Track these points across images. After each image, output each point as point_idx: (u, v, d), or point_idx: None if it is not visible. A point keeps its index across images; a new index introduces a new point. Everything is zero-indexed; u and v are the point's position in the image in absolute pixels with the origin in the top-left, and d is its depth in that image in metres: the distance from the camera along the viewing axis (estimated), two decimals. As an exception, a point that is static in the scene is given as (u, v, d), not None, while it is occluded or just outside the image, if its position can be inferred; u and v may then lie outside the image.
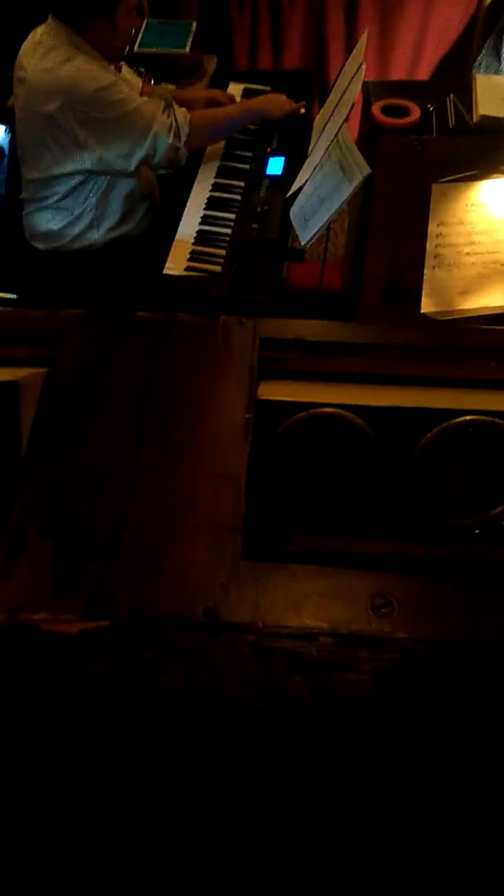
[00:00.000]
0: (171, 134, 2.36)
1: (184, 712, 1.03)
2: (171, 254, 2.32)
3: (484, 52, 3.20)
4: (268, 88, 2.91)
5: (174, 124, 2.36)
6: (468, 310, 2.36)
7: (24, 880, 1.10)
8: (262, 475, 1.21)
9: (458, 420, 1.32)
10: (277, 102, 2.71)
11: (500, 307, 2.36)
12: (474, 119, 2.45)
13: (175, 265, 2.28)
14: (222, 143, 2.70)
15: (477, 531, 1.36)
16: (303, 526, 1.33)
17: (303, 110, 2.81)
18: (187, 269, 2.28)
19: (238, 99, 2.87)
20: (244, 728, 1.02)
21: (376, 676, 1.01)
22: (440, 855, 1.11)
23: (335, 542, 1.30)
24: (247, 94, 2.94)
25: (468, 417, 1.32)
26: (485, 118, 2.43)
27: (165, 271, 2.26)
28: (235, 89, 2.97)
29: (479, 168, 2.32)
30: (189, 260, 2.30)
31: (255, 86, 2.99)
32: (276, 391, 1.35)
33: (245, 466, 1.15)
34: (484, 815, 1.09)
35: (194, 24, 3.13)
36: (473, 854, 1.12)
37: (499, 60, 3.15)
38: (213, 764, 1.04)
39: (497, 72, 3.14)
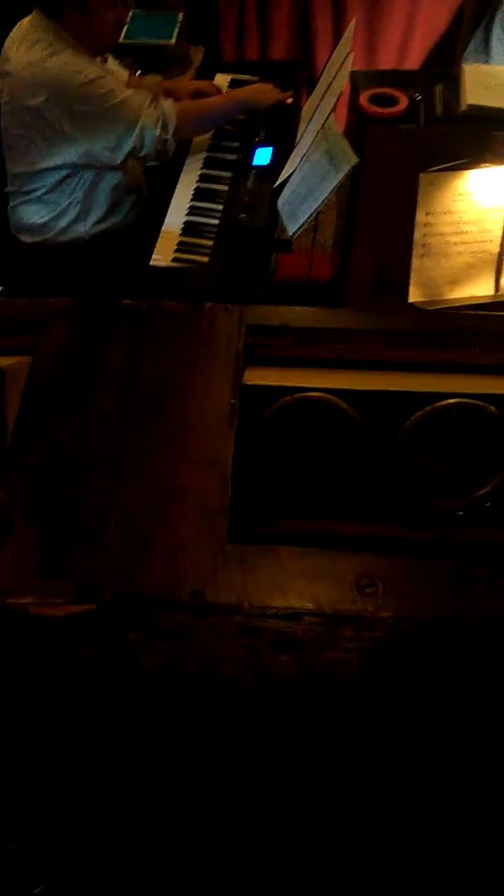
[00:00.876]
0: (159, 126, 2.36)
1: (171, 693, 1.03)
2: (158, 245, 2.32)
3: (472, 46, 3.20)
4: (255, 79, 2.91)
5: (161, 116, 2.36)
6: (456, 299, 2.36)
7: (12, 857, 1.11)
8: (249, 459, 1.22)
9: (442, 403, 1.33)
10: (265, 92, 2.71)
11: (488, 297, 2.36)
12: (462, 108, 2.46)
13: (162, 256, 2.28)
14: (209, 134, 2.69)
15: (461, 513, 1.37)
16: (289, 508, 1.34)
17: (290, 100, 2.81)
18: (174, 260, 2.28)
19: (225, 90, 2.87)
20: (231, 707, 1.03)
21: (361, 655, 1.02)
22: (428, 828, 1.13)
23: (321, 524, 1.31)
24: (234, 84, 2.94)
25: (452, 400, 1.33)
26: (473, 107, 2.44)
27: (152, 263, 2.26)
28: (222, 80, 2.97)
29: (467, 157, 2.32)
30: (176, 251, 2.30)
31: (242, 76, 2.99)
32: (262, 377, 1.35)
33: (231, 451, 1.16)
34: (469, 787, 1.10)
35: (181, 16, 3.12)
36: (462, 826, 1.13)
37: (487, 53, 3.15)
38: (201, 743, 1.05)
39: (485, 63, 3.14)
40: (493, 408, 1.36)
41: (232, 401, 1.21)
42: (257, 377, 1.34)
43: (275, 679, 1.01)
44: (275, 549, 1.09)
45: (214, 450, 1.15)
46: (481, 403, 1.34)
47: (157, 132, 2.35)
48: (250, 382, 1.32)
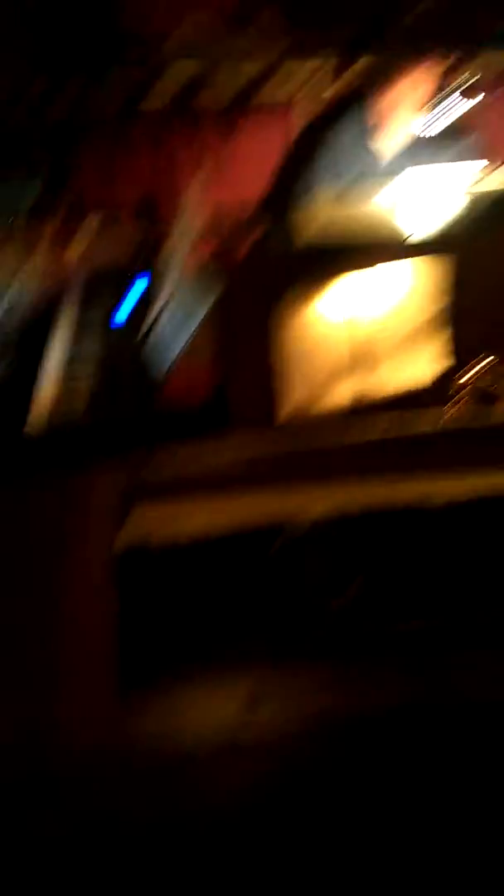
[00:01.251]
0: (25, 288, 2.46)
1: (86, 853, 1.06)
2: (34, 403, 2.35)
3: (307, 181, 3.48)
4: (121, 220, 3.08)
5: (31, 275, 2.47)
6: (321, 412, 2.53)
7: None
8: (136, 605, 1.29)
9: (305, 517, 1.44)
10: (126, 236, 2.88)
11: (348, 405, 2.54)
12: (309, 236, 2.69)
13: (39, 414, 2.31)
14: (79, 281, 2.82)
15: (339, 611, 1.44)
16: (180, 645, 1.40)
17: (154, 238, 2.98)
18: (51, 413, 2.30)
19: (93, 232, 3.01)
20: (140, 849, 1.07)
21: (260, 774, 1.09)
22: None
23: (211, 652, 1.37)
24: (100, 226, 3.09)
25: (315, 512, 1.44)
26: (318, 234, 2.68)
27: (29, 423, 2.28)
28: (89, 223, 3.13)
29: (316, 281, 2.55)
30: (53, 404, 2.33)
31: (108, 217, 3.16)
32: (148, 519, 1.43)
33: (116, 604, 1.23)
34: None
35: (39, 179, 3.29)
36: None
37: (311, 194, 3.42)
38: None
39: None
40: (354, 512, 1.48)
41: (114, 556, 1.28)
42: (144, 521, 1.42)
43: (180, 814, 1.06)
44: (167, 689, 1.16)
45: (100, 605, 1.22)
46: (342, 512, 1.46)
47: (24, 294, 2.45)
48: (137, 528, 1.40)
